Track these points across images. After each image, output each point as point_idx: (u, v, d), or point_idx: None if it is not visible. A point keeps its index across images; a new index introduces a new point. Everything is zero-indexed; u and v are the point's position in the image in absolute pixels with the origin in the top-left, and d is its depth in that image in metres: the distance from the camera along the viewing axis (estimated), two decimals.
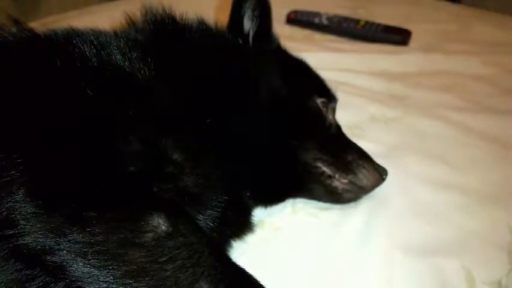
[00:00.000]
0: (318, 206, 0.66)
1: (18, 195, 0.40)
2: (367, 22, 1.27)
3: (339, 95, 0.86)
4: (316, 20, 1.31)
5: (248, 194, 0.60)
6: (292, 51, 1.06)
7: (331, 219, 0.63)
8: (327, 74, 1.03)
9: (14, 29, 0.54)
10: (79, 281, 0.40)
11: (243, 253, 0.57)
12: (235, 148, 0.57)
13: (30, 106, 0.45)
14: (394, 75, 1.08)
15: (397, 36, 1.23)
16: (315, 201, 0.67)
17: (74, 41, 0.52)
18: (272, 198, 0.65)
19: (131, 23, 0.62)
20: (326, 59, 1.11)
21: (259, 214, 0.63)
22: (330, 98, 0.70)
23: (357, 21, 1.28)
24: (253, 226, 0.60)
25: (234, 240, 0.58)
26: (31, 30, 0.54)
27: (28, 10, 1.51)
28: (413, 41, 1.25)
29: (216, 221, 0.52)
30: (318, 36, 1.30)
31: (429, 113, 0.91)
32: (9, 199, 0.40)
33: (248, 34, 0.67)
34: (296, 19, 1.35)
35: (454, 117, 0.90)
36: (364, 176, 0.63)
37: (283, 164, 0.63)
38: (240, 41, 0.66)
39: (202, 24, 0.65)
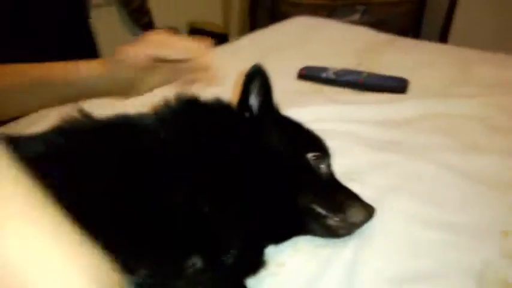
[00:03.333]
0: (316, 244, 0.78)
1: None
2: (369, 74, 1.41)
3: (341, 144, 1.00)
4: (324, 75, 1.46)
5: (263, 238, 0.75)
6: (303, 105, 1.23)
7: (325, 255, 0.75)
8: (333, 125, 1.18)
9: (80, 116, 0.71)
10: None
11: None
12: (252, 201, 0.73)
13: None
14: (394, 122, 1.19)
15: (396, 85, 1.36)
16: (314, 239, 0.79)
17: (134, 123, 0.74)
18: (281, 237, 0.79)
19: (167, 105, 0.81)
20: (333, 110, 1.25)
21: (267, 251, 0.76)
22: (323, 152, 0.84)
23: (360, 73, 1.42)
24: (265, 263, 0.73)
25: (249, 276, 0.71)
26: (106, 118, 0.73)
27: None
28: (413, 88, 1.37)
29: (237, 260, 0.67)
30: (326, 88, 1.44)
31: (422, 156, 1.01)
32: None
33: (253, 107, 0.84)
34: (306, 74, 1.51)
35: (445, 159, 1.00)
36: (353, 214, 0.76)
37: (287, 209, 0.78)
38: (247, 114, 0.84)
39: (219, 102, 0.84)
